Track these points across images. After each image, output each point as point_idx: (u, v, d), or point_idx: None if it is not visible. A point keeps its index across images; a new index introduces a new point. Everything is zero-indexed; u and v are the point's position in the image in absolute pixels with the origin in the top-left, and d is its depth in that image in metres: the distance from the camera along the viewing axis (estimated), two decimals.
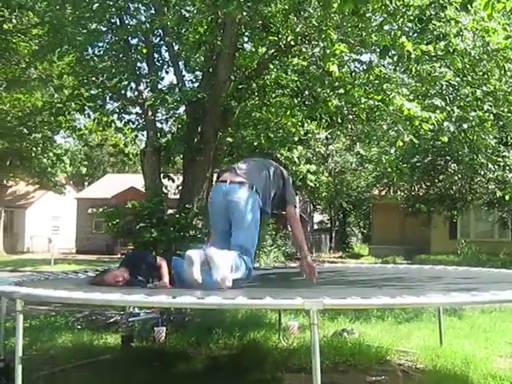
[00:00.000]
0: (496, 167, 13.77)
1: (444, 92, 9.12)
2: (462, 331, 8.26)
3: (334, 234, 44.43)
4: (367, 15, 7.62)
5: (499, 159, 13.36)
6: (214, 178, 11.44)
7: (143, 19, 10.65)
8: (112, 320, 8.66)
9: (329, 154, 29.15)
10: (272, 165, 5.66)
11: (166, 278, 5.34)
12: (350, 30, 8.14)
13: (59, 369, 6.12)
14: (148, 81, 10.46)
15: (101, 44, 10.77)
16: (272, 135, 13.92)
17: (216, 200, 5.41)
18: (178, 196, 10.40)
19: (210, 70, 10.09)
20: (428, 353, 6.74)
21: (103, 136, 35.99)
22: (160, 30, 10.63)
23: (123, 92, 10.92)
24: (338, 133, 11.78)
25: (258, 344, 7.22)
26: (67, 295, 4.23)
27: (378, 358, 6.57)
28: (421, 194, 22.56)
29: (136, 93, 10.78)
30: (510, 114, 9.43)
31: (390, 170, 9.93)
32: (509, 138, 14.74)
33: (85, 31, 10.25)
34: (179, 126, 11.20)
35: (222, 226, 5.35)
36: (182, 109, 10.80)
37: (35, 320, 8.95)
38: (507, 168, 15.07)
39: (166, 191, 10.56)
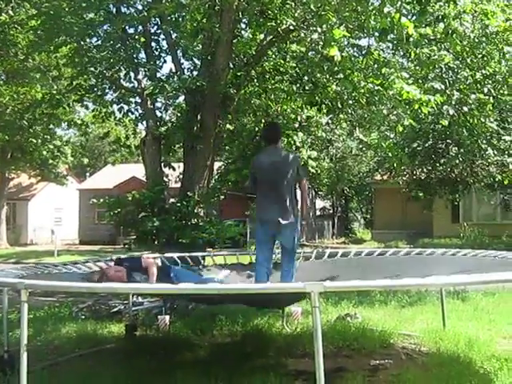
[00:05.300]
0: (495, 151, 13.76)
1: (443, 75, 9.11)
2: (465, 314, 8.29)
3: (336, 220, 44.45)
4: None
5: (499, 143, 13.36)
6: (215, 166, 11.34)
7: (140, 8, 10.61)
8: (115, 309, 8.68)
9: (330, 139, 29.03)
10: None
11: (152, 279, 6.19)
12: (348, 14, 8.06)
13: (64, 358, 6.16)
14: (146, 70, 10.43)
15: (98, 34, 10.73)
16: None
17: None
18: (179, 184, 10.37)
19: (209, 58, 10.04)
20: (431, 336, 6.75)
21: (104, 128, 35.94)
22: (157, 19, 10.59)
23: (122, 81, 10.89)
24: (341, 116, 11.68)
25: (262, 330, 7.25)
26: (72, 284, 4.26)
27: (381, 341, 6.59)
28: (422, 177, 22.56)
29: (135, 82, 10.76)
30: (509, 97, 9.40)
31: (390, 155, 9.90)
32: (508, 121, 14.71)
33: (82, 21, 10.21)
34: (179, 114, 11.18)
35: None
36: (181, 97, 10.79)
37: (39, 311, 8.98)
38: (506, 152, 15.08)
39: (167, 180, 10.55)
